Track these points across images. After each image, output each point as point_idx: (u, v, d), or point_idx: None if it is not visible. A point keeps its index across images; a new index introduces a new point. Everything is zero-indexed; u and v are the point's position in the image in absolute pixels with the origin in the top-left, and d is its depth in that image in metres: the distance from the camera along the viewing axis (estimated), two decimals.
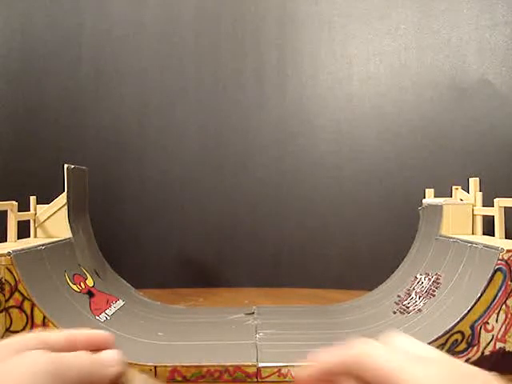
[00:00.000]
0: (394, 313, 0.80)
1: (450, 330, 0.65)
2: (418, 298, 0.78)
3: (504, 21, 1.21)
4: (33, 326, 0.62)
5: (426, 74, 1.27)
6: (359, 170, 1.31)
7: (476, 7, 1.23)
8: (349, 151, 1.32)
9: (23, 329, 0.61)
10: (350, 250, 1.31)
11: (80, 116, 1.35)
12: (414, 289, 0.83)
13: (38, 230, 0.86)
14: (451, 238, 0.83)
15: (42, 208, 0.86)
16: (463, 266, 0.73)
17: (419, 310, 0.75)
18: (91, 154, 1.32)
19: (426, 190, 1.06)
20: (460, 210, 0.88)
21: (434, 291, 0.75)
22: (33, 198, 0.87)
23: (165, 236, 1.34)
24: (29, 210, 0.86)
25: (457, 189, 0.98)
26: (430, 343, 0.63)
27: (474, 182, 0.93)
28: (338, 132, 1.33)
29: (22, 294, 0.61)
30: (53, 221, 0.84)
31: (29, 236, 0.86)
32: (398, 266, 1.09)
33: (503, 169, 1.16)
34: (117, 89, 1.36)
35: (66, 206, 0.84)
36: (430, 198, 1.04)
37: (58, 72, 1.35)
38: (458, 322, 0.65)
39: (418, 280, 0.85)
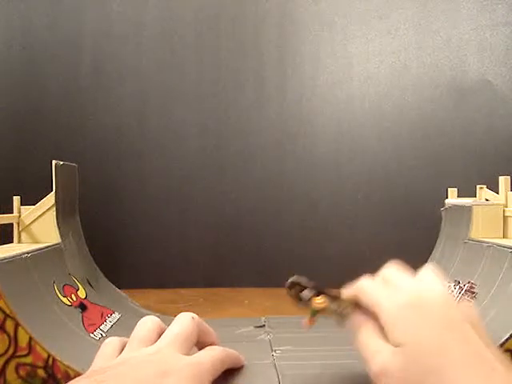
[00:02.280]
0: None
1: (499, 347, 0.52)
2: None
3: (504, 21, 1.15)
4: (16, 349, 0.48)
5: (426, 74, 1.20)
6: (359, 170, 1.23)
7: (476, 7, 1.17)
8: (349, 151, 1.24)
9: (5, 352, 0.47)
10: (350, 249, 1.23)
11: (79, 115, 1.26)
12: None
13: (22, 234, 0.70)
14: (484, 242, 0.71)
15: (27, 209, 0.74)
16: (503, 274, 0.61)
17: None
18: (90, 154, 1.24)
19: (449, 190, 0.95)
20: (490, 212, 0.76)
21: (469, 301, 0.65)
22: (16, 199, 0.71)
23: (165, 236, 1.26)
24: (12, 212, 0.75)
25: (482, 188, 0.86)
26: None
27: (504, 181, 0.79)
28: (338, 132, 1.24)
29: (3, 311, 0.46)
30: (39, 224, 0.69)
31: (12, 241, 0.71)
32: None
33: (503, 169, 1.09)
34: (117, 88, 1.27)
35: (54, 208, 0.70)
36: (453, 198, 0.93)
37: (57, 72, 1.26)
38: (508, 339, 0.52)
39: (446, 288, 0.74)
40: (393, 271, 0.46)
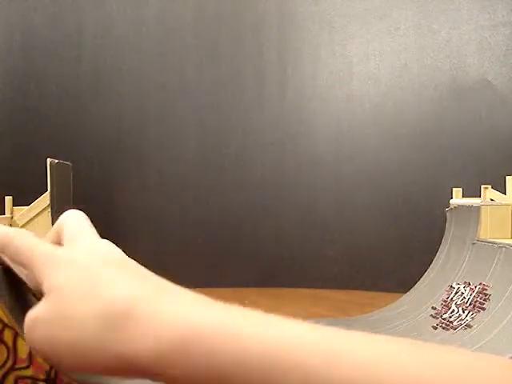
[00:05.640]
0: (435, 328, 0.63)
1: None
2: (461, 311, 0.62)
3: (504, 21, 1.12)
4: (16, 361, 0.41)
5: (426, 74, 1.17)
6: (359, 169, 1.20)
7: (476, 7, 1.14)
8: (349, 151, 1.20)
9: (3, 365, 0.42)
10: (349, 249, 1.20)
11: (79, 115, 1.22)
12: (452, 300, 0.66)
13: None
14: (495, 242, 0.66)
15: (19, 210, 0.67)
16: None
17: (467, 325, 0.57)
18: (90, 153, 1.20)
19: (454, 190, 0.92)
20: (498, 212, 0.72)
21: (482, 304, 0.59)
22: (8, 199, 0.66)
23: (164, 236, 1.22)
24: (3, 213, 0.67)
25: (486, 188, 0.82)
26: None
27: (511, 181, 0.77)
28: (337, 132, 1.21)
29: (1, 320, 0.42)
30: (33, 226, 0.63)
31: None
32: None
33: (503, 169, 1.06)
34: (116, 88, 1.23)
35: (49, 208, 0.64)
36: (457, 198, 0.87)
37: (57, 71, 1.22)
38: None
39: (455, 290, 0.68)
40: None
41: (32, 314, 0.27)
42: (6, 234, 0.31)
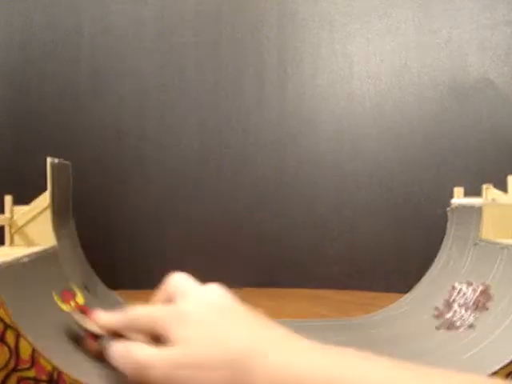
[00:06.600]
0: (438, 328, 0.63)
1: None
2: (464, 311, 0.62)
3: (505, 20, 1.12)
4: (18, 362, 0.42)
5: (427, 73, 1.17)
6: (360, 168, 1.19)
7: (477, 6, 1.14)
8: (349, 150, 1.20)
9: (5, 366, 0.41)
10: (350, 249, 1.20)
11: (79, 115, 1.21)
12: (455, 300, 0.66)
13: (14, 236, 0.64)
14: (497, 243, 0.66)
15: (19, 209, 0.65)
16: None
17: (470, 325, 0.58)
18: (90, 153, 1.19)
19: (455, 189, 0.91)
20: (500, 212, 0.72)
21: (484, 304, 0.60)
22: (8, 198, 0.65)
23: (164, 236, 1.22)
24: (3, 212, 0.66)
25: (488, 188, 0.82)
26: (495, 372, 0.46)
27: None
28: (338, 131, 1.21)
29: (3, 321, 0.41)
30: (33, 226, 0.62)
31: (3, 244, 0.64)
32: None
33: (505, 168, 1.06)
34: (116, 88, 1.23)
35: (49, 208, 0.63)
36: (459, 197, 0.87)
37: (57, 71, 1.22)
38: None
39: (457, 290, 0.68)
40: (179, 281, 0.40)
41: (156, 355, 0.33)
42: (123, 316, 0.38)
